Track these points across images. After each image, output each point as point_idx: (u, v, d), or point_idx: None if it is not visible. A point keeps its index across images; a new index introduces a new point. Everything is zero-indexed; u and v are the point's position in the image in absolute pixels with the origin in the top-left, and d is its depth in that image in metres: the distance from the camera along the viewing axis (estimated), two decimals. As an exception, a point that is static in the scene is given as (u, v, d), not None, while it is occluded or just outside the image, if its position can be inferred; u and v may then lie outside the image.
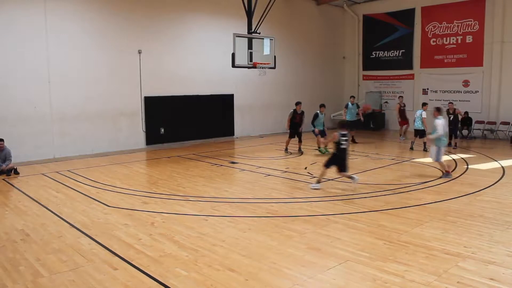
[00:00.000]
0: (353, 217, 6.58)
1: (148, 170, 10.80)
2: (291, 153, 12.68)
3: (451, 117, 13.62)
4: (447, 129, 10.19)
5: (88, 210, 7.13)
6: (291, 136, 12.76)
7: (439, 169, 9.85)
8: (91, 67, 12.79)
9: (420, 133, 12.93)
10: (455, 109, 13.81)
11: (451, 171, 9.63)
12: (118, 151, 13.34)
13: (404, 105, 16.09)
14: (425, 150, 12.80)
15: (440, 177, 9.26)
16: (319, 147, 12.93)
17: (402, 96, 17.26)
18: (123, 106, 13.61)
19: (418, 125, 12.89)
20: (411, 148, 13.38)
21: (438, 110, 9.60)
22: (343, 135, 8.14)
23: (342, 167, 8.23)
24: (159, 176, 9.82)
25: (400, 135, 15.73)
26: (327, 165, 8.39)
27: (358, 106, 14.67)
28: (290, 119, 12.61)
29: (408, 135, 15.48)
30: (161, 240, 5.63)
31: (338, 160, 8.25)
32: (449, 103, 14.25)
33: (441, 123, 9.23)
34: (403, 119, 15.72)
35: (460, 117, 13.99)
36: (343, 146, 8.15)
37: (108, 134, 13.35)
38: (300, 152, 12.74)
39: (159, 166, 11.13)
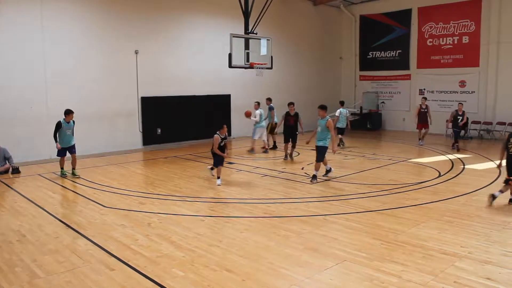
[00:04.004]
0: (350, 217, 6.58)
1: (145, 171, 10.78)
2: (292, 159, 11.69)
3: (460, 119, 13.42)
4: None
5: (84, 210, 7.10)
6: (286, 140, 11.70)
7: (435, 169, 9.86)
8: (87, 68, 12.74)
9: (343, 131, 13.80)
10: (464, 111, 13.58)
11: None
12: (115, 151, 13.30)
13: (426, 108, 14.42)
14: (341, 145, 13.65)
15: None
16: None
17: (425, 98, 15.12)
18: (120, 107, 13.57)
19: (343, 123, 13.69)
20: (342, 144, 13.73)
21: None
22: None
23: None
24: (156, 177, 9.79)
25: (419, 139, 14.61)
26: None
27: (272, 108, 13.32)
28: (284, 122, 11.84)
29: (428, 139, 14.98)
30: (158, 241, 5.62)
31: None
32: (459, 104, 14.08)
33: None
34: (422, 122, 14.48)
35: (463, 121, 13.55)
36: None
37: (105, 134, 13.31)
38: (291, 158, 11.71)
39: (156, 166, 11.10)
